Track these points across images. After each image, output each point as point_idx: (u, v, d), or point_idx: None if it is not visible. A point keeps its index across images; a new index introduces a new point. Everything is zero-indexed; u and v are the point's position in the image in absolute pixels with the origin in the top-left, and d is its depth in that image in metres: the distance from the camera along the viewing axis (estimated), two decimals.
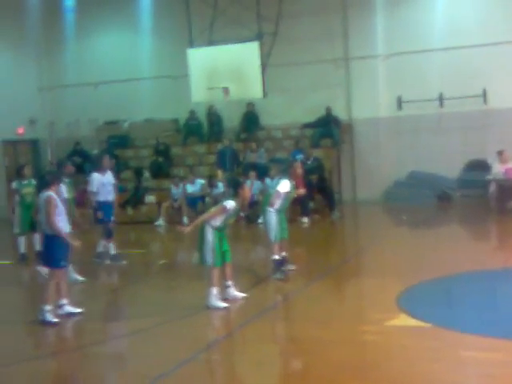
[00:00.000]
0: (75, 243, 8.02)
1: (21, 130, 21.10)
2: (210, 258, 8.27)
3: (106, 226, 11.44)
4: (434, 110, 18.38)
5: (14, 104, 20.13)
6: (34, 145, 22.11)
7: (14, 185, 11.98)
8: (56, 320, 7.85)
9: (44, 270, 9.44)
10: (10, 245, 13.51)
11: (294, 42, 18.71)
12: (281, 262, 9.89)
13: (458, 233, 14.56)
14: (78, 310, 8.25)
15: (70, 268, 10.20)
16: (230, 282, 8.66)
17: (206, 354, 6.92)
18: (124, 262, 11.61)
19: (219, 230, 8.35)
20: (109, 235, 11.55)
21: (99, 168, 11.64)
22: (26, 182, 11.79)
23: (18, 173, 12.17)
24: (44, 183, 8.16)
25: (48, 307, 7.86)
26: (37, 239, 11.33)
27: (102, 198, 11.36)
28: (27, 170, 12.07)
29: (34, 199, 10.57)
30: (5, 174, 20.49)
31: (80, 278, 10.33)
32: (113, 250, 11.64)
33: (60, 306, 8.13)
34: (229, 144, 18.35)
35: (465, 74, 17.72)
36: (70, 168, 11.33)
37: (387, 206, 18.45)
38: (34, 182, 11.61)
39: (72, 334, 8.01)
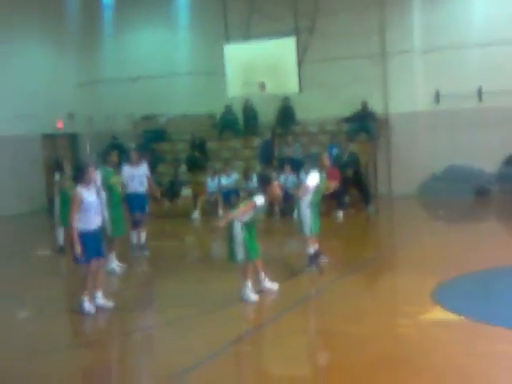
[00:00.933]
0: (77, 246, 7.79)
1: (60, 124, 21.44)
2: (240, 253, 8.26)
3: (133, 216, 11.75)
4: (473, 105, 18.14)
5: (53, 99, 20.50)
6: (73, 139, 22.46)
7: (56, 178, 12.23)
8: (93, 311, 7.95)
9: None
10: (49, 236, 13.76)
11: (331, 38, 18.65)
12: (315, 256, 9.90)
13: (496, 228, 14.35)
14: (110, 305, 8.26)
15: (111, 256, 10.46)
16: (262, 275, 8.70)
17: (237, 346, 6.97)
18: (146, 253, 11.87)
19: (248, 225, 8.37)
20: (134, 224, 11.81)
21: (129, 161, 11.90)
22: (66, 174, 12.02)
23: (57, 166, 12.41)
24: (76, 177, 8.24)
25: (85, 298, 7.99)
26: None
27: (130, 189, 11.60)
28: (66, 163, 12.29)
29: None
30: (44, 167, 20.85)
31: (118, 266, 10.59)
32: (141, 240, 11.90)
33: (94, 298, 8.19)
34: (269, 137, 18.35)
35: (504, 68, 17.47)
36: (115, 157, 11.54)
37: (423, 200, 18.29)
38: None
39: (105, 324, 8.10)
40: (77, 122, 21.81)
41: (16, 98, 19.34)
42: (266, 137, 18.49)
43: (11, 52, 19.59)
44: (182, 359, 6.41)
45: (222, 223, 8.41)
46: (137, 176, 11.77)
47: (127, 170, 11.74)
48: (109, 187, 10.59)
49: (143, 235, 12.02)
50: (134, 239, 11.95)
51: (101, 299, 8.23)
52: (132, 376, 6.23)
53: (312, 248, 9.90)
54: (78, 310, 7.91)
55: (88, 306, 7.98)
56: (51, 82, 20.71)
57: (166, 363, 6.41)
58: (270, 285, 8.73)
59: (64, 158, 13.27)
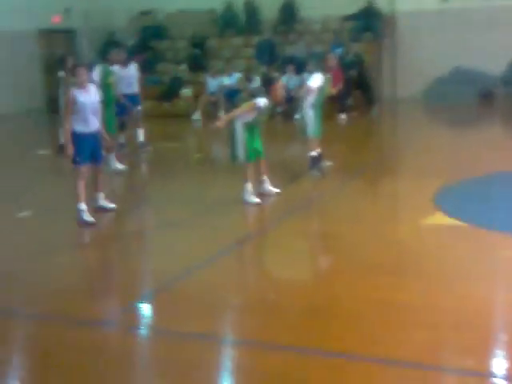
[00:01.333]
0: (69, 146, 7.58)
1: (56, 19, 20.78)
2: (241, 153, 8.23)
3: (119, 118, 11.47)
4: (482, 3, 17.51)
5: None
6: (70, 34, 21.84)
7: (60, 74, 11.92)
8: (92, 220, 7.67)
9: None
10: (50, 135, 13.64)
11: None
12: (317, 159, 9.82)
13: (500, 133, 14.21)
14: (112, 206, 8.21)
15: (111, 157, 10.39)
16: (264, 177, 8.66)
17: (238, 249, 7.01)
18: (149, 149, 11.94)
19: (250, 126, 8.24)
20: (120, 127, 11.65)
21: (120, 61, 11.65)
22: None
23: (60, 63, 12.04)
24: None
25: (81, 206, 7.68)
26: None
27: (119, 91, 11.34)
28: (70, 61, 11.88)
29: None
30: (41, 63, 20.40)
31: (120, 166, 10.52)
32: (139, 138, 11.90)
33: (94, 200, 8.08)
34: (268, 36, 17.85)
35: None
36: (116, 55, 11.29)
37: (428, 104, 18.02)
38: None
39: (105, 224, 8.10)
40: (73, 17, 21.13)
41: None
42: (266, 35, 17.94)
43: None
44: (182, 261, 6.46)
45: (221, 123, 8.30)
46: (125, 77, 11.55)
47: (116, 70, 11.45)
48: (105, 86, 10.31)
49: (141, 132, 11.99)
50: (121, 139, 11.85)
51: (102, 200, 8.17)
52: (132, 276, 6.28)
53: (314, 151, 9.80)
54: (77, 220, 7.67)
55: (86, 215, 7.67)
56: None
57: (170, 262, 6.47)
58: (272, 188, 8.70)
59: (67, 55, 12.86)
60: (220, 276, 6.12)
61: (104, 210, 8.13)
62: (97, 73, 10.45)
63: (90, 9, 20.86)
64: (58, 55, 14.22)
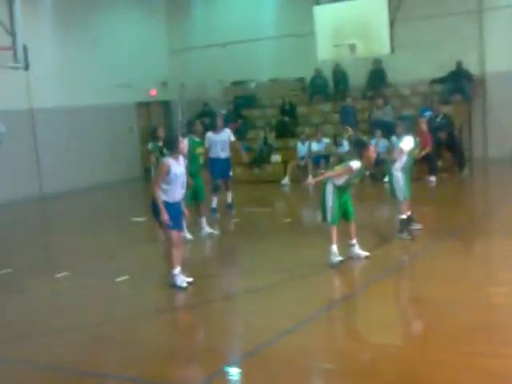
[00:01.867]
0: (165, 215, 7.55)
1: (153, 92, 21.92)
2: (329, 215, 8.35)
3: (213, 181, 12.23)
4: None
5: (147, 67, 20.94)
6: (166, 106, 22.94)
7: (150, 146, 12.48)
8: (185, 285, 7.80)
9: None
10: (144, 203, 14.20)
11: None
12: (407, 222, 9.78)
13: None
14: (189, 279, 8.00)
15: (203, 221, 10.83)
16: (353, 241, 8.69)
17: (329, 312, 7.04)
18: (233, 211, 12.49)
19: (341, 189, 8.38)
20: (214, 190, 12.33)
21: (214, 127, 12.28)
22: (160, 143, 12.28)
23: (152, 134, 12.59)
24: (166, 147, 7.91)
25: (175, 271, 7.82)
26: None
27: (213, 155, 12.01)
28: (161, 132, 12.45)
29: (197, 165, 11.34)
30: (139, 135, 21.48)
31: (211, 230, 10.99)
32: (228, 199, 12.53)
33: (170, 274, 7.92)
34: (349, 102, 18.11)
35: None
36: (199, 127, 11.71)
37: None
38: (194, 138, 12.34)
39: (197, 289, 8.21)
40: (169, 90, 22.25)
41: (110, 68, 19.85)
42: (347, 102, 18.17)
43: (104, 22, 20.11)
44: (274, 325, 6.52)
45: (313, 181, 8.42)
46: (219, 142, 12.12)
47: (210, 135, 12.12)
48: (193, 157, 10.74)
49: (229, 195, 12.60)
50: (214, 203, 12.38)
51: (180, 275, 7.98)
52: (221, 340, 6.38)
53: (404, 214, 9.78)
54: (171, 284, 7.82)
55: (180, 279, 7.82)
56: (144, 50, 21.12)
57: (260, 327, 6.53)
58: (360, 252, 8.72)
59: (159, 126, 13.51)
60: (311, 340, 6.14)
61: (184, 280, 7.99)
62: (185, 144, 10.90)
63: (186, 82, 21.94)
64: (152, 127, 14.88)
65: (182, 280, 7.86)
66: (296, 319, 6.58)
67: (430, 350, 5.64)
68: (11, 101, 17.10)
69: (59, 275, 8.99)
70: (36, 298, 8.30)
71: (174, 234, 7.79)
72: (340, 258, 8.42)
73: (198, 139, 11.25)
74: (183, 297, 7.86)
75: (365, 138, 16.72)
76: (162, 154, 7.92)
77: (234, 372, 5.63)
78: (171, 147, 7.79)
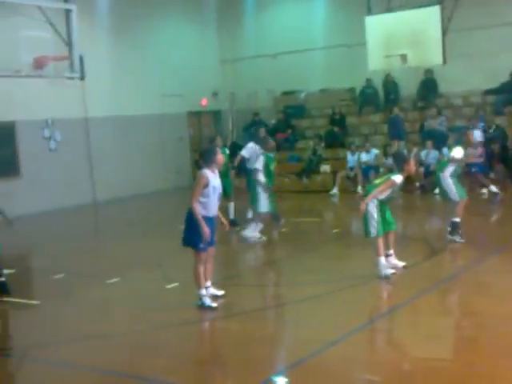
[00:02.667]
0: (205, 229, 7.28)
1: (204, 102, 22.20)
2: (373, 228, 8.37)
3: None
4: None
5: (197, 77, 21.20)
6: (217, 116, 23.18)
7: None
8: (215, 305, 7.58)
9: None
10: None
11: (477, 5, 17.75)
12: (458, 225, 9.95)
13: None
14: (221, 293, 7.95)
15: (253, 227, 11.19)
16: (391, 251, 8.72)
17: (377, 324, 7.02)
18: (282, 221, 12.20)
19: (382, 202, 8.46)
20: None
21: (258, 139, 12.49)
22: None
23: (210, 143, 12.70)
24: (203, 158, 7.60)
25: (203, 292, 7.61)
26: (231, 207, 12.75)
27: (251, 165, 12.03)
28: (219, 140, 12.60)
29: (227, 167, 11.92)
30: (190, 143, 21.75)
31: (258, 236, 11.25)
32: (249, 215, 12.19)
33: (206, 288, 7.73)
34: (397, 112, 17.94)
35: None
36: (272, 143, 11.72)
37: None
38: (226, 150, 12.67)
39: (246, 297, 8.33)
40: (220, 99, 22.49)
41: (163, 78, 20.20)
42: (395, 112, 17.98)
43: (157, 33, 20.47)
44: (319, 336, 6.52)
45: (363, 206, 8.41)
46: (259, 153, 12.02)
47: (251, 146, 12.46)
48: (268, 173, 11.21)
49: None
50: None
51: (212, 288, 7.87)
52: (267, 350, 6.41)
53: (458, 217, 9.92)
54: (201, 305, 7.59)
55: (209, 300, 7.59)
56: (195, 61, 21.39)
57: (307, 337, 6.54)
58: (397, 262, 8.72)
59: (218, 135, 13.72)
60: (356, 351, 6.14)
61: (215, 297, 7.84)
62: (260, 161, 11.30)
63: (236, 91, 22.14)
64: (208, 136, 15.10)
65: (211, 301, 7.61)
66: (342, 330, 6.58)
67: (478, 364, 5.57)
68: (67, 110, 17.59)
69: (110, 281, 9.18)
70: (87, 302, 8.51)
71: (204, 253, 7.56)
72: (392, 270, 8.44)
73: (271, 154, 11.50)
74: (230, 306, 7.92)
75: (415, 149, 16.64)
76: (198, 167, 7.73)
77: (280, 382, 5.65)
78: (207, 159, 7.56)
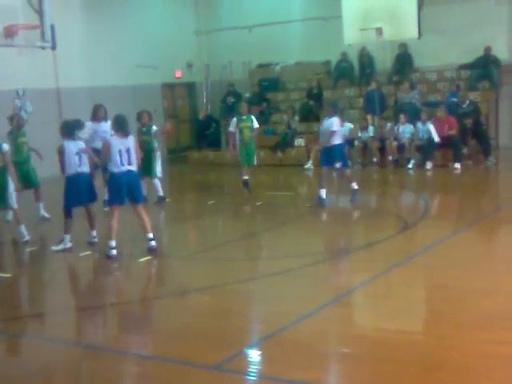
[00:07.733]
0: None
1: (178, 74, 21.97)
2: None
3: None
4: None
5: (172, 49, 20.90)
6: (191, 87, 22.98)
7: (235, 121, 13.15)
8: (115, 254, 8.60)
9: None
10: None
11: None
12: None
13: None
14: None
15: None
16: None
17: (350, 297, 7.06)
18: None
19: None
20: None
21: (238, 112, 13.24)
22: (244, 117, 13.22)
23: (137, 119, 13.55)
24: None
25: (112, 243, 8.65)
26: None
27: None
28: (145, 117, 13.44)
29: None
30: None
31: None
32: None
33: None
34: (376, 87, 17.94)
35: None
36: (245, 107, 13.13)
37: None
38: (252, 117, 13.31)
39: (219, 271, 8.34)
40: (194, 71, 22.27)
41: (137, 49, 19.88)
42: (373, 86, 17.97)
43: (131, 3, 20.12)
44: (293, 309, 6.56)
45: None
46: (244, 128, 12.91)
47: (234, 121, 12.97)
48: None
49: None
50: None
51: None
52: (242, 323, 6.44)
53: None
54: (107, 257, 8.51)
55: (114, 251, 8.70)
56: (170, 32, 21.06)
57: (279, 311, 6.56)
58: None
59: (145, 112, 13.99)
60: (330, 324, 6.18)
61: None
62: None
63: (211, 63, 21.94)
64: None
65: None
66: (314, 304, 6.61)
67: (448, 337, 5.65)
68: (38, 80, 17.27)
69: (83, 254, 9.14)
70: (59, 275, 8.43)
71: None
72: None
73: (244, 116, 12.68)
74: (204, 279, 7.93)
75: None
76: None
77: (253, 355, 5.68)
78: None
